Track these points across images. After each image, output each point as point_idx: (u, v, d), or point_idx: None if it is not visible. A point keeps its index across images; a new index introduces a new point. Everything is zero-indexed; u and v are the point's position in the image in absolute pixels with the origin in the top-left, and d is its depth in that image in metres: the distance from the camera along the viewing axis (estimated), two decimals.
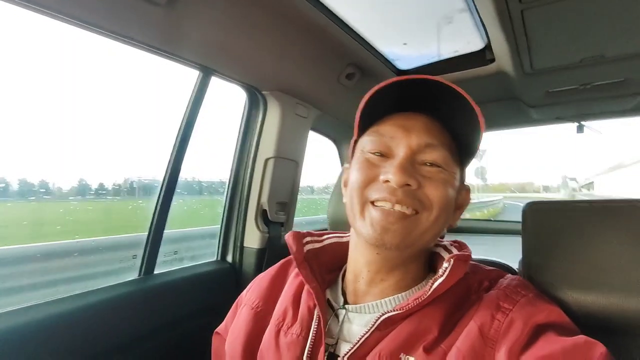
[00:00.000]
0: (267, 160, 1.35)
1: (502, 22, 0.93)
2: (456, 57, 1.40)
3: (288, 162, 1.42)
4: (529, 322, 0.52)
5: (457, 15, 1.13)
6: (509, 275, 0.64)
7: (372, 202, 0.60)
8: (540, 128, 1.90)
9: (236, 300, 0.81)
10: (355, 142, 0.68)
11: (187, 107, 1.14)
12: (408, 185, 0.57)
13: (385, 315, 0.57)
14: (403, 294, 0.64)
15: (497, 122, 1.90)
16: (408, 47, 1.36)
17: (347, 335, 0.62)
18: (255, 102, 1.36)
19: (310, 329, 0.63)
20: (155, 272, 1.13)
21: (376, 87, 0.61)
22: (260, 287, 0.76)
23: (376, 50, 1.33)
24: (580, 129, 1.79)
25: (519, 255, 0.81)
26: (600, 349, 0.48)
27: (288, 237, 0.72)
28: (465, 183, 0.68)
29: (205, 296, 1.22)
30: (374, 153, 0.62)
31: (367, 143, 0.63)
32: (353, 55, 1.29)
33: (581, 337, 0.50)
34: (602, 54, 1.11)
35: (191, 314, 1.16)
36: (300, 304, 0.68)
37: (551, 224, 0.72)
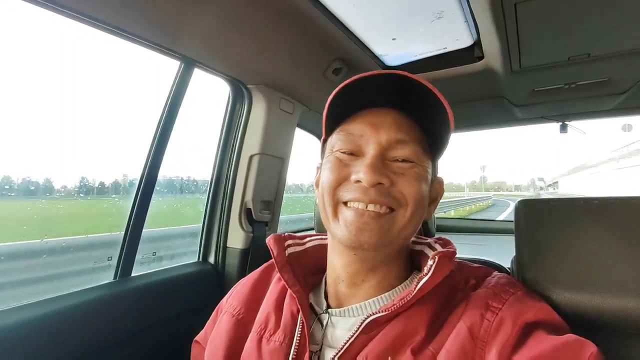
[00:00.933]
0: (251, 157, 1.30)
1: (494, 17, 0.92)
2: (444, 54, 1.39)
3: (273, 159, 1.37)
4: (518, 321, 0.51)
5: (447, 10, 1.11)
6: (496, 273, 0.63)
7: (345, 203, 0.58)
8: (511, 129, 1.92)
9: (216, 307, 0.78)
10: (325, 141, 0.67)
11: (167, 100, 1.07)
12: (380, 184, 0.56)
13: (370, 318, 0.56)
14: (386, 294, 0.62)
15: (482, 121, 1.90)
16: (397, 43, 1.33)
17: (331, 341, 0.60)
18: (240, 97, 1.31)
19: (294, 335, 0.61)
20: (133, 274, 1.07)
21: (341, 85, 0.59)
22: (242, 292, 0.73)
23: (364, 45, 1.30)
24: (563, 128, 1.82)
25: (508, 254, 0.80)
26: (591, 348, 0.47)
27: (269, 241, 0.70)
28: (438, 175, 0.67)
29: (186, 299, 1.17)
30: (343, 152, 0.61)
31: (336, 142, 0.62)
32: (340, 49, 1.26)
33: (571, 336, 0.50)
34: (588, 52, 1.11)
35: (171, 319, 1.11)
36: (283, 309, 0.66)
37: (544, 221, 0.72)
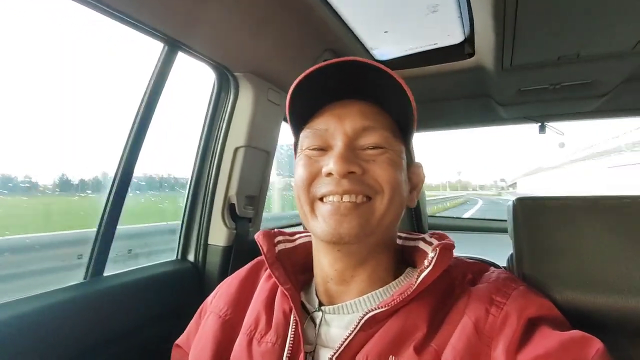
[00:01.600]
0: (236, 149, 1.24)
1: (495, 9, 0.90)
2: (434, 50, 1.37)
3: (259, 152, 1.31)
4: (522, 315, 0.51)
5: (443, 4, 1.09)
6: (495, 269, 0.63)
7: (321, 199, 0.58)
8: (472, 131, 1.95)
9: (199, 308, 0.74)
10: (297, 143, 0.66)
11: (147, 87, 0.99)
12: (352, 172, 0.56)
13: (370, 314, 0.54)
14: (381, 289, 0.60)
15: (466, 119, 1.91)
16: (388, 36, 1.30)
17: (326, 340, 0.57)
18: (226, 85, 1.24)
19: (287, 335, 0.58)
20: (105, 274, 0.98)
21: (296, 82, 0.58)
22: (228, 292, 0.70)
23: (356, 37, 1.26)
24: (542, 129, 1.85)
25: (501, 252, 0.80)
26: (597, 344, 0.47)
27: (258, 237, 0.67)
28: (416, 161, 0.68)
29: (163, 300, 1.09)
30: (313, 149, 0.60)
31: (304, 140, 0.62)
32: (332, 40, 1.21)
33: (577, 332, 0.50)
34: (578, 52, 1.12)
35: (147, 322, 1.03)
36: (273, 308, 0.63)
37: (541, 219, 0.72)
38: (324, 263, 0.62)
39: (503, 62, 1.21)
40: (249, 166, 1.28)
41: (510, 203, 0.81)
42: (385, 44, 1.36)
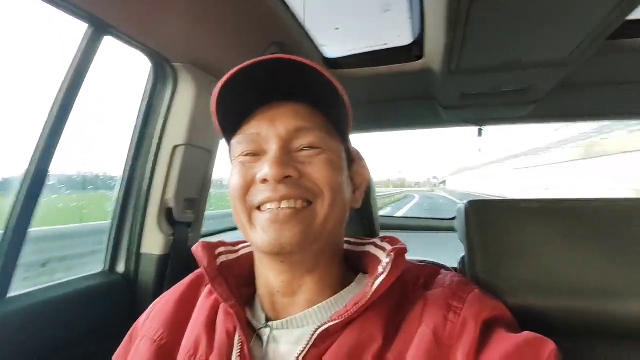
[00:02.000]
0: (175, 147, 1.12)
1: (446, 13, 0.90)
2: (384, 50, 1.37)
3: (200, 151, 1.20)
4: (479, 320, 0.51)
5: (395, 4, 1.08)
6: (446, 272, 0.62)
7: (258, 207, 0.54)
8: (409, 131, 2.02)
9: (130, 331, 0.66)
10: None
11: (67, 74, 0.85)
12: (288, 177, 0.52)
13: (323, 327, 0.51)
14: (332, 299, 0.57)
15: (412, 121, 1.95)
16: (339, 34, 1.27)
17: (275, 359, 0.53)
18: (163, 76, 1.12)
19: (232, 358, 0.53)
20: (11, 294, 0.82)
21: (220, 84, 0.54)
22: (163, 312, 0.62)
23: (305, 32, 1.21)
24: (480, 132, 1.95)
25: (445, 253, 0.80)
26: (550, 345, 0.48)
27: (196, 249, 0.62)
28: (360, 160, 0.66)
29: (88, 320, 0.95)
30: (246, 155, 0.57)
31: (236, 147, 0.58)
32: (279, 33, 1.15)
33: (530, 334, 0.50)
34: (519, 59, 1.17)
35: (69, 345, 0.89)
36: (215, 329, 0.57)
37: (494, 222, 0.73)
38: (269, 275, 0.58)
39: (450, 66, 1.24)
40: (189, 166, 1.17)
41: (462, 206, 0.81)
42: (335, 41, 1.32)
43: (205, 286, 0.65)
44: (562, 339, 0.63)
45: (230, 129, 0.59)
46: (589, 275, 0.65)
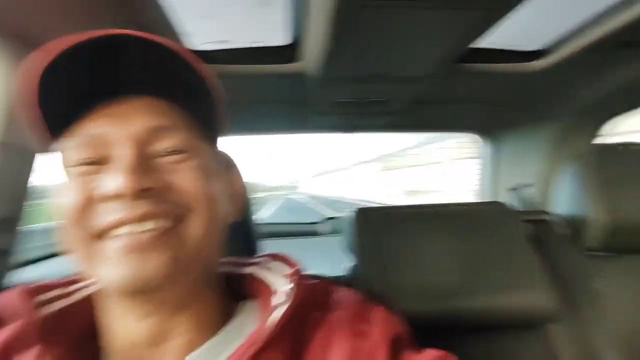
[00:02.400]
0: None
1: (325, 18, 0.86)
2: (258, 48, 1.28)
3: (17, 151, 0.89)
4: (388, 340, 0.48)
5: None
6: (338, 288, 0.58)
7: (100, 235, 0.41)
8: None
9: None
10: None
11: None
12: (148, 189, 0.41)
13: None
14: (214, 340, 0.46)
15: (283, 125, 1.92)
16: (208, 24, 1.12)
17: None
18: None
19: None
20: None
21: (41, 60, 0.42)
22: None
23: (166, 14, 1.02)
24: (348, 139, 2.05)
25: (322, 259, 0.79)
26: None
27: (6, 300, 0.46)
28: (232, 166, 0.58)
29: None
30: (82, 163, 0.43)
31: (69, 152, 0.44)
32: (135, 10, 0.94)
33: (434, 352, 0.49)
34: (386, 72, 1.24)
35: None
36: None
37: (384, 230, 0.74)
38: (126, 323, 0.45)
39: (324, 73, 1.23)
40: (2, 172, 0.85)
41: (352, 214, 0.80)
42: (204, 31, 1.16)
43: (25, 352, 0.44)
44: (449, 339, 0.67)
45: (55, 127, 0.45)
46: (466, 275, 0.71)
